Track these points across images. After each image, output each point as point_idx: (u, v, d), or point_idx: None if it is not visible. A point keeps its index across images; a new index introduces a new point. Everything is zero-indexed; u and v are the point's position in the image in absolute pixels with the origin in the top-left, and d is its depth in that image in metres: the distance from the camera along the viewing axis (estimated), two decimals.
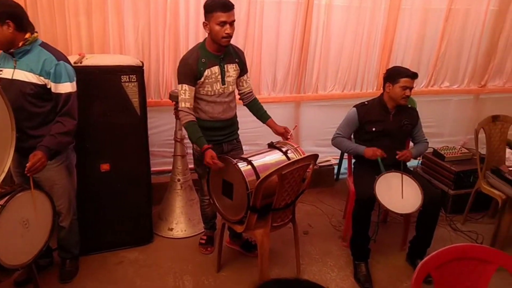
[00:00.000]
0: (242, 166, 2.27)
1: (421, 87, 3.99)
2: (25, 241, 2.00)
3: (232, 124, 2.62)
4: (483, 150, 3.25)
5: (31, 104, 2.16)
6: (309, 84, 3.70)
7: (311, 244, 3.04)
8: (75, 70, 2.26)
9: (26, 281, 2.41)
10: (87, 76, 2.47)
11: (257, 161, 2.34)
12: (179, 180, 3.08)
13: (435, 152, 3.61)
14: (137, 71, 2.61)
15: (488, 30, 3.99)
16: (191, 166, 2.95)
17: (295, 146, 2.50)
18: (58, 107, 2.18)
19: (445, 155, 3.51)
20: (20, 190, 1.97)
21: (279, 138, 2.62)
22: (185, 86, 2.38)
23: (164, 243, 2.99)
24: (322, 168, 3.89)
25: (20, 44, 2.10)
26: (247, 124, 3.03)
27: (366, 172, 2.74)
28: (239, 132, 2.71)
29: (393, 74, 2.74)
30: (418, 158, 3.24)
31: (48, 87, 2.15)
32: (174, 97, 2.83)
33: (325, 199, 3.70)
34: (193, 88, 2.40)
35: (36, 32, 2.18)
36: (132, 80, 2.59)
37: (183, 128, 2.59)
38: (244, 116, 2.79)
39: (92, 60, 2.58)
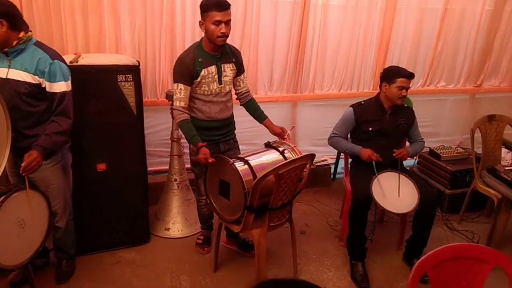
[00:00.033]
0: (239, 165, 2.26)
1: (417, 86, 4.01)
2: (21, 241, 2.00)
3: (229, 124, 2.62)
4: (479, 150, 3.27)
5: (25, 104, 2.15)
6: (305, 83, 3.70)
7: (308, 243, 3.04)
8: (71, 69, 2.25)
9: (22, 281, 2.40)
10: (83, 76, 2.46)
11: (254, 160, 2.34)
12: (175, 180, 3.07)
13: (431, 152, 3.62)
14: (134, 70, 2.60)
15: (484, 30, 4.01)
16: (188, 166, 2.94)
17: (292, 146, 2.50)
18: (53, 107, 2.17)
19: (441, 154, 3.52)
20: (16, 190, 1.97)
21: (276, 138, 2.62)
22: (181, 85, 2.37)
23: (161, 243, 2.98)
24: (318, 168, 3.89)
25: (14, 43, 2.09)
26: (244, 124, 3.03)
27: (363, 171, 2.74)
28: (236, 131, 2.70)
29: (390, 74, 2.74)
30: (415, 157, 3.25)
31: (43, 86, 2.14)
32: (170, 97, 2.81)
33: (322, 198, 3.71)
34: (189, 87, 2.40)
35: (30, 31, 2.16)
36: (128, 80, 2.58)
37: (179, 128, 2.59)
38: (241, 116, 2.79)
39: (88, 59, 2.57)
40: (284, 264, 2.78)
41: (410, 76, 2.70)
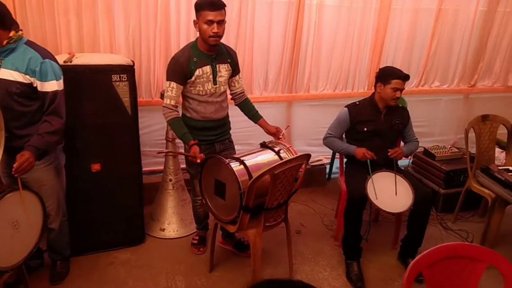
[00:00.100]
0: (235, 166, 2.26)
1: (412, 86, 4.02)
2: (15, 242, 1.98)
3: (224, 124, 2.62)
4: (473, 150, 3.28)
5: (17, 103, 2.12)
6: (300, 83, 3.71)
7: (303, 243, 3.04)
8: (64, 69, 2.23)
9: (16, 282, 2.37)
10: (77, 75, 2.44)
11: (250, 161, 2.34)
12: (171, 180, 3.06)
13: (426, 152, 3.64)
14: (128, 70, 2.59)
15: (478, 31, 4.03)
16: (183, 166, 2.94)
17: (288, 146, 2.50)
18: (45, 106, 2.14)
19: (435, 154, 3.54)
20: (9, 191, 1.95)
21: (272, 138, 2.62)
22: (173, 84, 2.37)
23: (156, 244, 2.97)
24: (314, 168, 3.90)
25: (5, 42, 2.06)
26: (239, 124, 3.02)
27: (358, 171, 2.75)
28: (231, 132, 2.70)
29: (385, 75, 2.75)
30: (409, 157, 3.26)
31: (34, 85, 2.11)
32: None
33: (317, 198, 3.71)
34: (181, 87, 2.39)
35: (21, 30, 2.14)
36: (123, 80, 2.57)
37: (169, 126, 2.57)
38: (236, 116, 2.79)
39: (82, 59, 2.55)
40: (280, 264, 2.78)
41: (405, 78, 2.70)
